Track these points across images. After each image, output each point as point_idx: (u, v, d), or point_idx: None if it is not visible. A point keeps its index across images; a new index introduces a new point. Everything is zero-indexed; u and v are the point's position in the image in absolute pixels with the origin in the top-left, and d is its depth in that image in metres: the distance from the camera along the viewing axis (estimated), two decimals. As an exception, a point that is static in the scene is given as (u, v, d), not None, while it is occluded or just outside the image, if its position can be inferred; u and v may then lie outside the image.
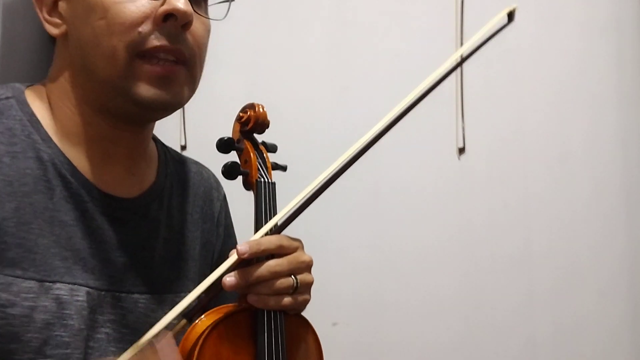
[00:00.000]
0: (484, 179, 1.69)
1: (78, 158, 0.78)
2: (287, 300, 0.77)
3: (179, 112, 1.87)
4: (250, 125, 0.88)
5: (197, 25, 0.78)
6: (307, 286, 0.81)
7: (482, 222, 1.69)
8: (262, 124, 0.89)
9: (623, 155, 1.68)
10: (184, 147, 1.83)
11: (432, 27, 1.73)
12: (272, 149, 0.91)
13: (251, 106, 0.89)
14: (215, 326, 0.75)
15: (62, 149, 0.77)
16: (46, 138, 0.77)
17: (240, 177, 0.86)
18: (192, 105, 1.82)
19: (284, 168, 0.90)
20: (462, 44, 1.71)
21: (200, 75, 0.82)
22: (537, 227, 1.68)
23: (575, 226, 1.67)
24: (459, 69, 1.71)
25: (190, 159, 0.98)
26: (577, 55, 1.70)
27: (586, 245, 1.67)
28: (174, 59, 0.75)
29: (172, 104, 0.78)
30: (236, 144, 0.88)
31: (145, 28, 0.73)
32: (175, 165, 0.93)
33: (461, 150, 1.70)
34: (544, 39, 1.70)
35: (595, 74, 1.69)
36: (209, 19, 0.81)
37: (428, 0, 1.73)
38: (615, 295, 1.66)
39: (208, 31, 0.81)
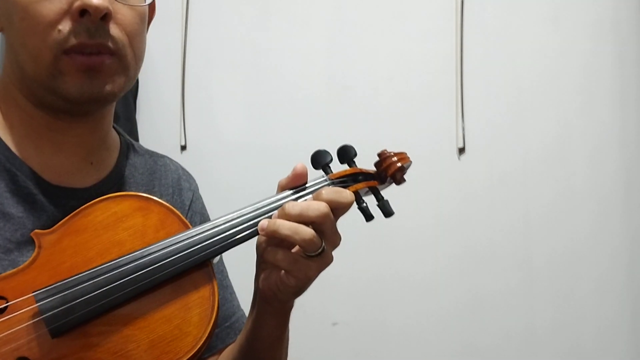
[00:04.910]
0: (484, 179, 1.69)
1: (26, 151, 0.77)
2: (302, 261, 0.72)
3: (179, 112, 1.89)
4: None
5: (123, 12, 0.75)
6: (323, 262, 0.74)
7: (482, 222, 1.69)
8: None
9: (622, 154, 1.68)
10: (184, 147, 1.83)
11: (432, 27, 1.73)
12: None
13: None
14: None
15: (8, 143, 0.77)
16: None
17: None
18: (192, 105, 1.84)
19: None
20: (462, 44, 1.71)
21: (138, 62, 0.78)
22: (536, 227, 1.68)
23: (575, 225, 1.67)
24: (458, 69, 1.71)
25: (157, 153, 0.95)
26: (578, 55, 1.70)
27: (585, 244, 1.67)
28: (98, 51, 0.73)
29: (102, 95, 0.75)
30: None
31: (64, 26, 0.71)
32: (139, 157, 0.90)
33: (461, 150, 1.70)
34: (544, 39, 1.70)
35: (595, 73, 1.69)
36: (130, 5, 0.76)
37: (428, 1, 1.73)
38: (612, 288, 1.66)
39: (140, 16, 0.77)
